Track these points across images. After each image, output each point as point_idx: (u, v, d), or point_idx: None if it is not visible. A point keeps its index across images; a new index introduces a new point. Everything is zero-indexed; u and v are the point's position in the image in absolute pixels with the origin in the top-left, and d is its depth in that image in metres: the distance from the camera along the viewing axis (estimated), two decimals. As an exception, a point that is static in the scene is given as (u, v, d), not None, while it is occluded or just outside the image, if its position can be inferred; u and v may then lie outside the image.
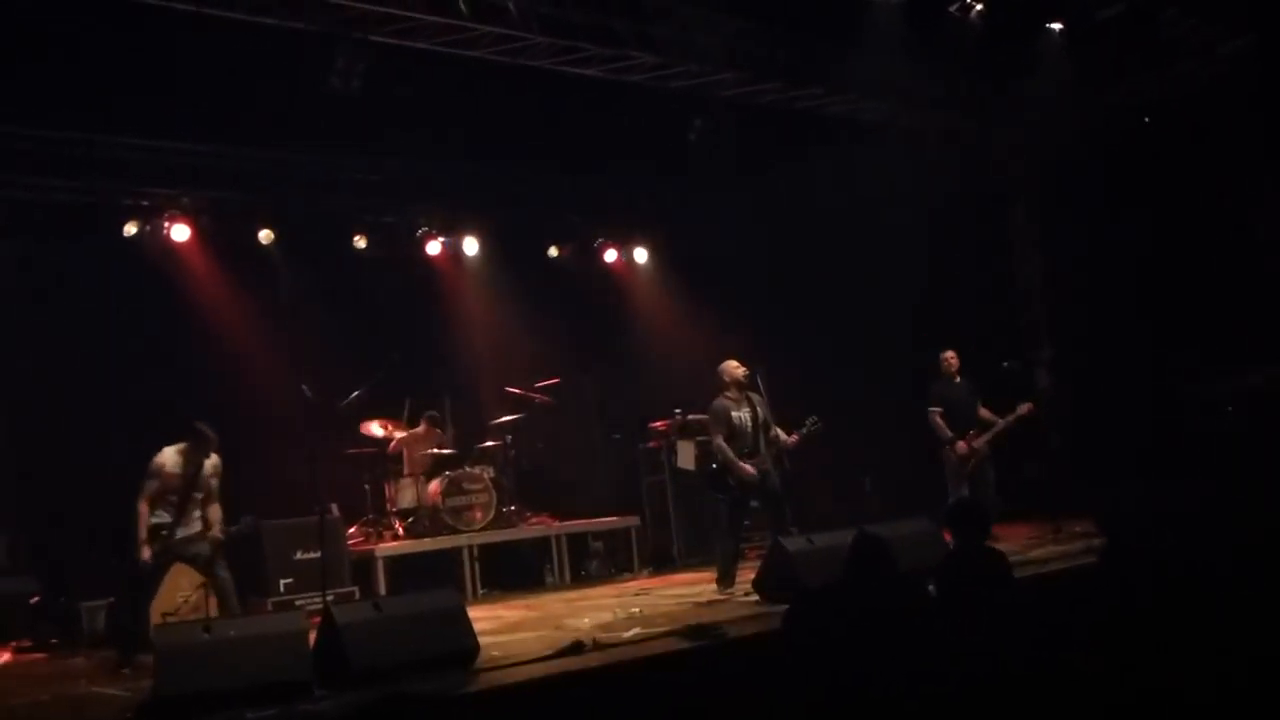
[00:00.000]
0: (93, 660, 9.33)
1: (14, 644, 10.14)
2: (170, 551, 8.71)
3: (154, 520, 8.69)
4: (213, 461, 8.89)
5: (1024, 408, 11.62)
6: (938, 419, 11.72)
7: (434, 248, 13.91)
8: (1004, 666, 4.16)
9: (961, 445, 11.56)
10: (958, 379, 11.89)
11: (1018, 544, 10.57)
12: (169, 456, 8.81)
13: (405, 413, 12.79)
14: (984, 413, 11.72)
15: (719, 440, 10.01)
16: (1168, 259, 12.97)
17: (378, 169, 13.30)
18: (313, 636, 7.07)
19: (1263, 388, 11.80)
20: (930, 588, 5.96)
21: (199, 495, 8.81)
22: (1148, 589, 4.22)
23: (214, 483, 8.90)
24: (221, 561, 8.84)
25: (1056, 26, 12.43)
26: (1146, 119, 13.64)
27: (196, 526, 8.81)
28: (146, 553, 8.58)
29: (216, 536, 8.80)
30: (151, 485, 8.72)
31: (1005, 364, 11.98)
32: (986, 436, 11.58)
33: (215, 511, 8.91)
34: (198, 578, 8.92)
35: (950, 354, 11.93)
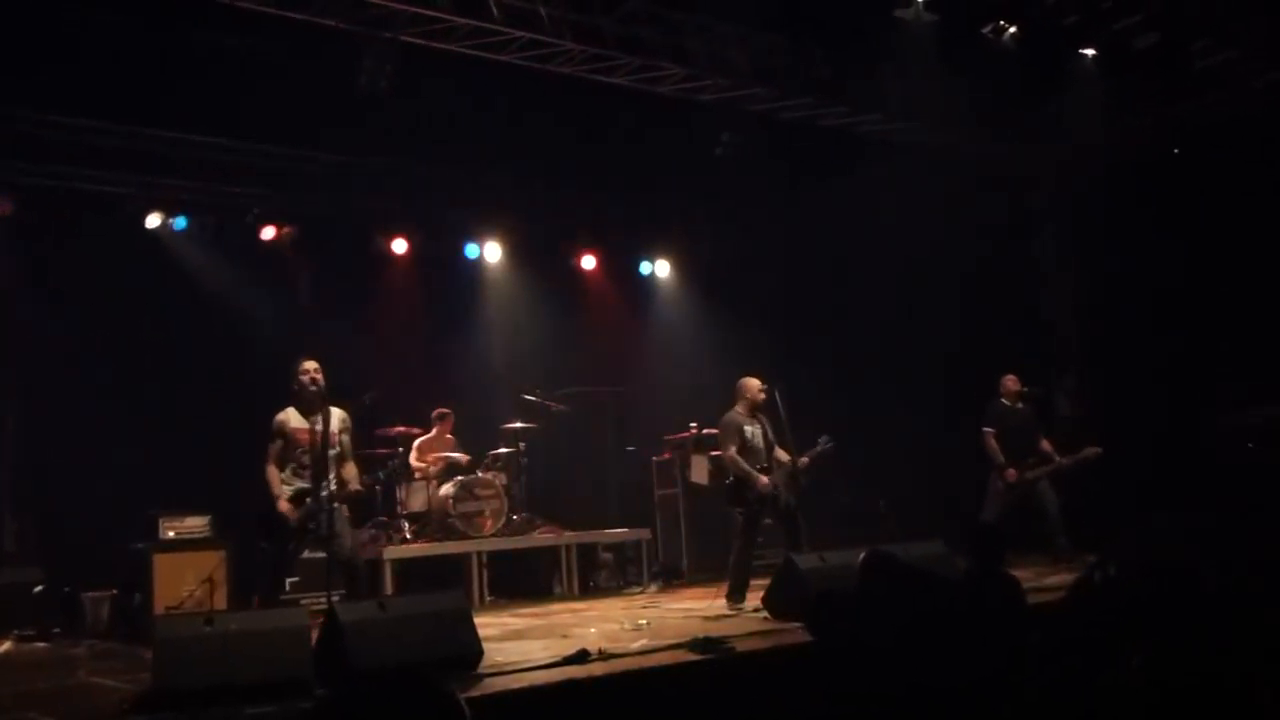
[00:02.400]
0: (94, 650, 9.28)
1: (16, 633, 10.09)
2: (314, 520, 8.04)
3: (291, 486, 8.14)
4: (339, 415, 8.33)
5: (1090, 451, 11.33)
6: (991, 441, 11.45)
7: (453, 252, 13.90)
8: (1012, 691, 4.06)
9: (1011, 473, 11.32)
10: (1019, 405, 11.66)
11: (1032, 571, 10.43)
12: (291, 413, 8.27)
13: (420, 416, 12.72)
14: (1045, 445, 11.48)
15: (732, 452, 9.93)
16: (1196, 288, 12.85)
17: (402, 171, 13.27)
18: (315, 635, 7.00)
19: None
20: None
21: (333, 452, 8.21)
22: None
23: (345, 439, 8.37)
24: (354, 542, 8.40)
25: (1089, 52, 12.36)
26: (1176, 150, 13.55)
27: (333, 488, 8.16)
28: (287, 507, 8.01)
29: (358, 489, 8.39)
30: (276, 445, 8.18)
31: (1026, 389, 11.82)
32: (1042, 470, 11.32)
33: (351, 469, 8.39)
34: (202, 570, 8.85)
35: (1011, 377, 11.70)
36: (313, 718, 2.25)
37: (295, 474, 8.22)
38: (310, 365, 8.30)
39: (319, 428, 8.15)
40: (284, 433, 8.24)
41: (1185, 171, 13.18)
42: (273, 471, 8.17)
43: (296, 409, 8.30)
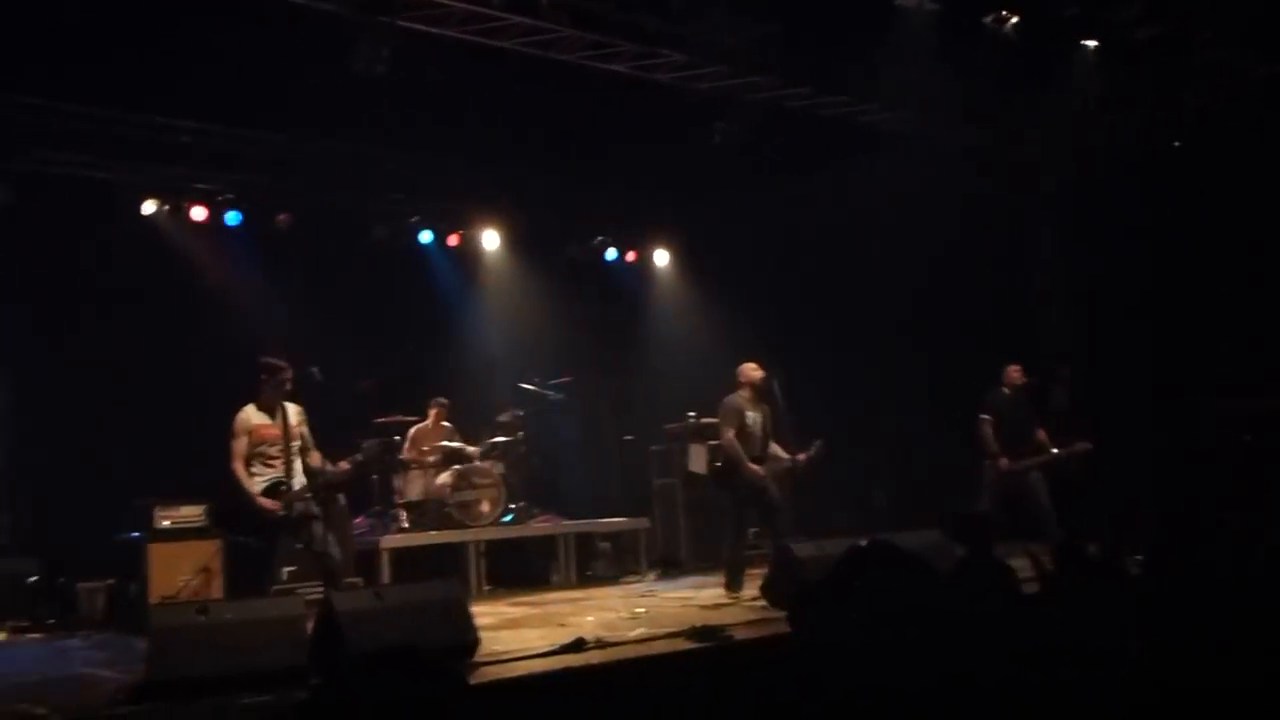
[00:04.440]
0: (89, 641, 9.25)
1: (11, 624, 10.05)
2: (294, 507, 8.30)
3: (262, 478, 8.33)
4: (296, 409, 8.53)
5: (1081, 446, 11.27)
6: (988, 429, 11.35)
7: (454, 241, 13.90)
8: (1006, 681, 4.02)
9: (1005, 462, 11.26)
10: (1019, 395, 11.57)
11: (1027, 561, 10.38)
12: (251, 411, 8.46)
13: (418, 406, 12.68)
14: (1041, 435, 11.39)
15: (729, 435, 9.91)
16: (1192, 281, 12.81)
17: (398, 160, 13.22)
18: (311, 625, 6.97)
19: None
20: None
21: (296, 444, 8.44)
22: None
23: (305, 430, 8.54)
24: (342, 534, 8.62)
25: (1091, 44, 12.29)
26: (1176, 143, 13.51)
27: (303, 480, 8.45)
28: (267, 501, 8.22)
29: (341, 468, 8.56)
30: (241, 443, 8.36)
31: (1027, 380, 11.76)
32: (1035, 461, 11.24)
33: (316, 458, 8.57)
34: (198, 560, 8.82)
35: (1015, 367, 11.59)
36: (310, 703, 2.20)
37: (265, 465, 8.41)
38: (276, 362, 8.52)
39: (279, 422, 8.41)
40: (248, 429, 8.42)
41: (1185, 163, 13.13)
42: (241, 468, 8.35)
43: (256, 406, 8.50)
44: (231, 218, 12.44)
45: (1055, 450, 11.31)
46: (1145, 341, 13.12)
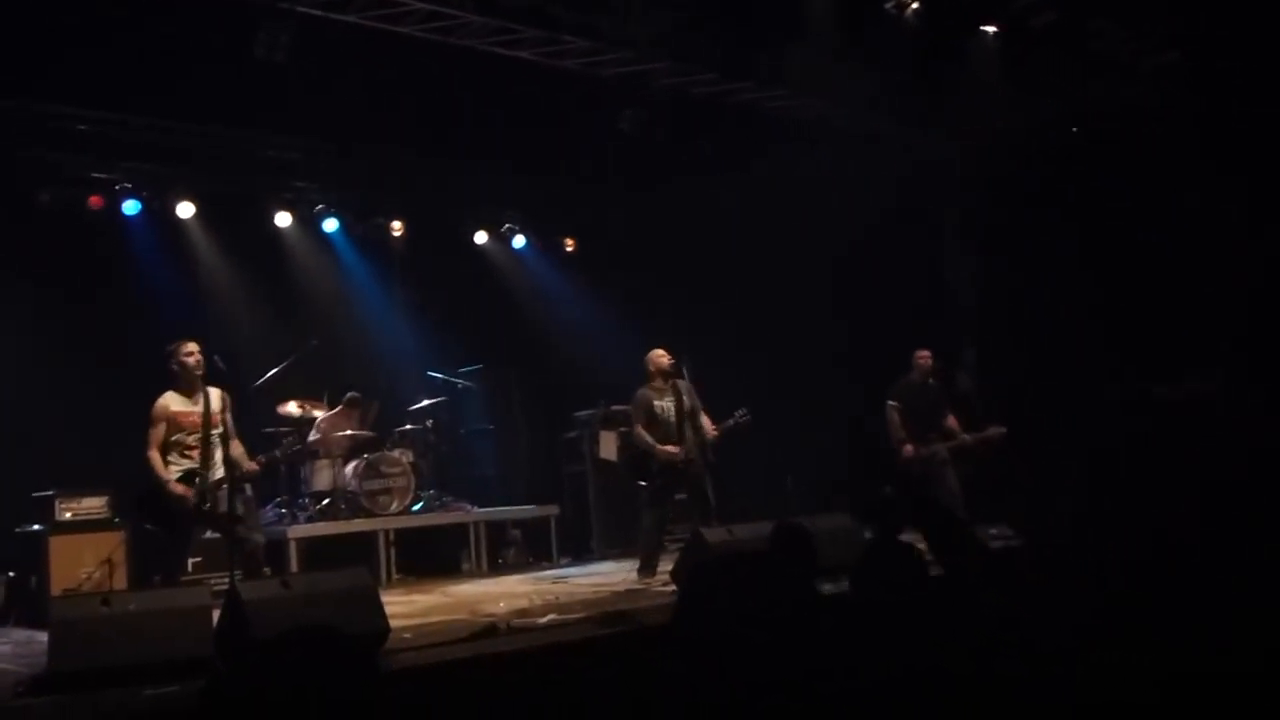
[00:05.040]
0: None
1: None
2: (207, 497, 8.09)
3: (178, 467, 8.11)
4: (219, 394, 8.32)
5: (994, 431, 11.33)
6: (895, 415, 11.41)
7: (356, 230, 13.83)
8: (918, 663, 4.11)
9: (909, 448, 11.33)
10: (929, 380, 11.63)
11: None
12: (171, 396, 8.24)
13: (325, 395, 12.57)
14: (950, 421, 11.44)
15: (638, 428, 10.00)
16: (1096, 267, 13.05)
17: (300, 147, 13.07)
18: (217, 615, 6.90)
19: (1176, 398, 11.88)
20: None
21: (217, 432, 8.22)
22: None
23: (228, 417, 8.32)
24: (253, 521, 8.46)
25: (990, 29, 12.44)
26: (1074, 129, 13.75)
27: (220, 471, 8.20)
28: (180, 489, 7.98)
29: (252, 468, 8.34)
30: (158, 431, 8.12)
31: (938, 366, 11.89)
32: (942, 447, 11.27)
33: (238, 447, 8.36)
34: (101, 552, 8.70)
35: (925, 353, 11.61)
36: (214, 688, 2.18)
37: (182, 455, 8.21)
38: (192, 346, 8.33)
39: (200, 409, 8.20)
40: (166, 416, 8.21)
41: (1086, 151, 13.36)
42: (156, 456, 8.13)
43: (176, 391, 8.29)
44: (130, 207, 12.24)
45: (966, 436, 11.43)
46: (1051, 325, 13.33)
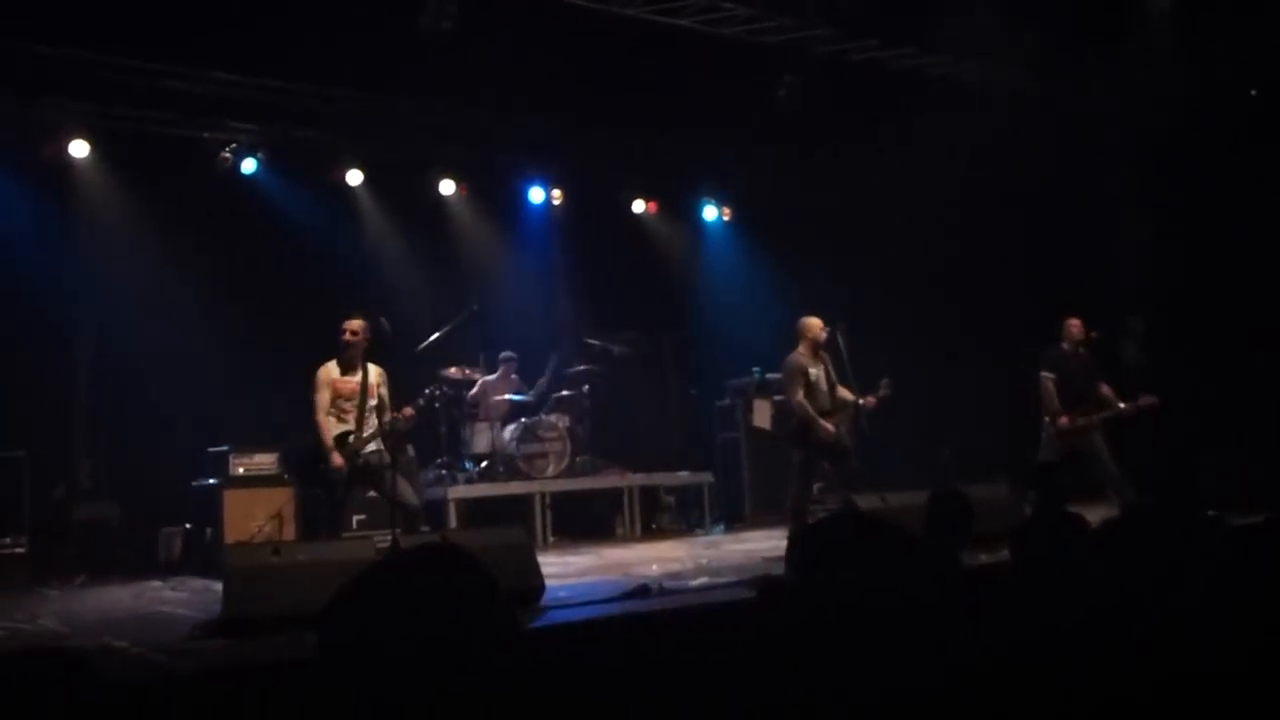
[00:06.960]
0: (167, 583, 9.50)
1: (91, 567, 10.33)
2: (358, 456, 8.47)
3: (334, 431, 8.48)
4: (377, 370, 8.68)
5: (1147, 400, 10.89)
6: (1049, 385, 11.05)
7: (515, 197, 14.02)
8: (1081, 633, 4.01)
9: (1064, 419, 11.05)
10: (1080, 350, 11.34)
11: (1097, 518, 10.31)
12: (332, 366, 8.61)
13: (482, 359, 12.81)
14: (1105, 391, 11.04)
15: (799, 396, 9.82)
16: (1268, 234, 12.56)
17: (462, 115, 13.25)
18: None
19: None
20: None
21: (373, 403, 8.58)
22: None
23: (384, 391, 8.67)
24: (416, 484, 8.73)
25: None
26: (1253, 92, 13.22)
27: (372, 428, 8.58)
28: (338, 459, 8.36)
29: (407, 413, 8.66)
30: (324, 396, 8.51)
31: (1091, 334, 11.56)
32: (1096, 417, 10.88)
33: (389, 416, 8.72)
34: (272, 506, 9.01)
35: (1075, 321, 11.19)
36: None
37: (340, 420, 8.53)
38: (356, 324, 8.60)
39: (359, 378, 8.53)
40: (328, 382, 8.56)
41: (1262, 112, 12.83)
42: (324, 420, 8.48)
43: (338, 363, 8.61)
44: (296, 176, 12.55)
45: (1122, 406, 11.09)
46: (1220, 295, 12.88)
